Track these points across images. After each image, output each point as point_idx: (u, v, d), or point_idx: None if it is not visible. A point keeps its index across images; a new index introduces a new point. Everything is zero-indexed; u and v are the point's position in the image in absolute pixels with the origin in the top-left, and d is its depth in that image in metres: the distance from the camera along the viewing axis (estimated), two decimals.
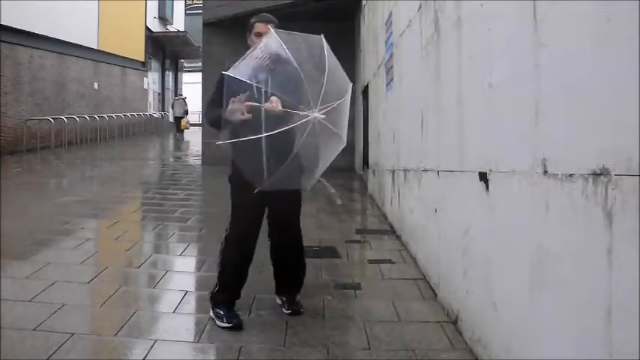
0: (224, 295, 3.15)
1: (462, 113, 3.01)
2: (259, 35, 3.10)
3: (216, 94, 3.01)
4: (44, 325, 2.89)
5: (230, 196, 3.19)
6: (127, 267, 4.21)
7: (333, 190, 3.12)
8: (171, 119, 24.71)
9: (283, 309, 3.25)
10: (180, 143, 19.70)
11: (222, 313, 3.08)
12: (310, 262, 3.56)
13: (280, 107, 2.79)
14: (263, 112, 2.85)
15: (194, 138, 17.65)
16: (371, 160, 8.08)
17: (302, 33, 2.87)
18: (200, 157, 12.11)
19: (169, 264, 4.44)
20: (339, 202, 3.18)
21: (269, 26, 3.08)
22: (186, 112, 23.14)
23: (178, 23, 27.06)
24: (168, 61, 26.80)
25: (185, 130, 23.19)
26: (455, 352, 2.74)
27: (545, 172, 1.89)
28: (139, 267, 4.15)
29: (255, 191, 2.84)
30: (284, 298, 3.30)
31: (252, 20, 3.20)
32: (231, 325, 3.01)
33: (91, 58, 16.77)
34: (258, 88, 2.90)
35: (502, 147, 2.40)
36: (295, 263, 3.34)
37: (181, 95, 24.20)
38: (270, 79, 2.91)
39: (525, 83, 2.08)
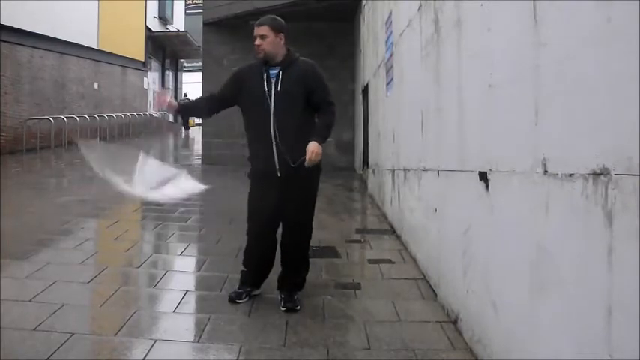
0: (243, 268, 3.46)
1: (462, 113, 3.01)
2: (254, 39, 3.24)
3: (222, 87, 3.45)
4: (44, 325, 2.89)
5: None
6: (127, 267, 4.21)
7: None
8: (171, 119, 24.91)
9: (280, 305, 3.26)
10: (181, 142, 19.71)
11: (239, 282, 3.43)
12: (310, 262, 3.57)
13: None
14: (272, 112, 3.17)
15: (196, 137, 17.67)
16: (371, 160, 8.09)
17: None
18: (200, 157, 12.10)
19: (169, 264, 4.44)
20: None
21: (261, 28, 3.22)
22: None
23: (178, 23, 27.06)
24: (168, 61, 26.81)
25: (191, 128, 24.06)
26: (455, 352, 2.74)
27: (545, 172, 1.89)
28: (139, 267, 4.15)
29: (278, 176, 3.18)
30: (283, 295, 3.32)
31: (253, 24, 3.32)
32: (228, 295, 3.36)
33: (91, 58, 16.76)
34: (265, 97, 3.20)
35: (502, 147, 2.40)
36: (297, 259, 3.40)
37: (187, 95, 24.68)
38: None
39: (525, 83, 2.08)
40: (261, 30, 3.20)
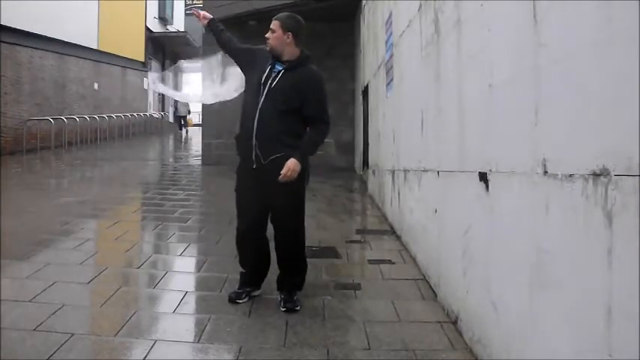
0: (242, 270, 3.47)
1: (462, 113, 3.01)
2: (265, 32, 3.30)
3: (241, 46, 3.50)
4: (44, 326, 2.89)
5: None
6: (126, 267, 4.21)
7: None
8: (171, 119, 25.23)
9: (280, 306, 3.26)
10: (180, 143, 19.73)
11: (238, 282, 3.45)
12: (310, 262, 3.57)
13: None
14: (260, 105, 3.17)
15: (195, 137, 17.71)
16: (371, 161, 8.09)
17: None
18: (200, 158, 12.11)
19: (169, 264, 4.44)
20: None
21: (274, 22, 3.27)
22: (189, 112, 24.94)
23: (178, 23, 27.04)
24: (168, 61, 26.79)
25: (189, 128, 24.95)
26: (455, 352, 2.74)
27: (545, 172, 1.89)
28: (138, 267, 4.15)
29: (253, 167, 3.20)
30: (282, 295, 3.32)
31: None
32: (228, 296, 3.37)
33: (91, 58, 16.77)
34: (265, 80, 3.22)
35: (502, 147, 2.40)
36: (292, 258, 3.39)
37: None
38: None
39: (525, 83, 2.08)
40: (273, 24, 3.26)
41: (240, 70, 3.53)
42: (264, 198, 3.24)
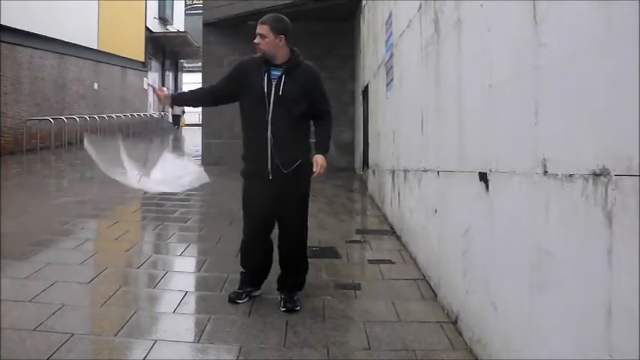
0: (242, 270, 3.46)
1: (462, 113, 3.01)
2: (255, 36, 3.19)
3: (223, 81, 3.36)
4: (44, 326, 2.89)
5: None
6: (126, 267, 4.21)
7: None
8: (170, 119, 25.44)
9: (280, 306, 3.26)
10: (179, 143, 19.72)
11: (239, 282, 3.44)
12: (310, 262, 3.57)
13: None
14: (270, 115, 3.12)
15: (193, 137, 17.69)
16: (371, 161, 8.09)
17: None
18: (200, 158, 12.10)
19: (169, 264, 4.44)
20: None
21: (261, 26, 3.16)
22: (183, 112, 25.58)
23: (178, 23, 27.06)
24: (168, 61, 26.83)
25: (182, 127, 25.84)
26: (455, 352, 2.74)
27: (545, 172, 1.89)
28: (138, 267, 4.15)
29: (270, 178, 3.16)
30: (283, 295, 3.32)
31: None
32: (228, 296, 3.37)
33: (91, 58, 16.77)
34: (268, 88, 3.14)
35: (502, 147, 2.40)
36: (295, 257, 3.40)
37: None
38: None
39: (525, 83, 2.08)
40: (262, 29, 3.13)
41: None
42: (275, 201, 3.22)
